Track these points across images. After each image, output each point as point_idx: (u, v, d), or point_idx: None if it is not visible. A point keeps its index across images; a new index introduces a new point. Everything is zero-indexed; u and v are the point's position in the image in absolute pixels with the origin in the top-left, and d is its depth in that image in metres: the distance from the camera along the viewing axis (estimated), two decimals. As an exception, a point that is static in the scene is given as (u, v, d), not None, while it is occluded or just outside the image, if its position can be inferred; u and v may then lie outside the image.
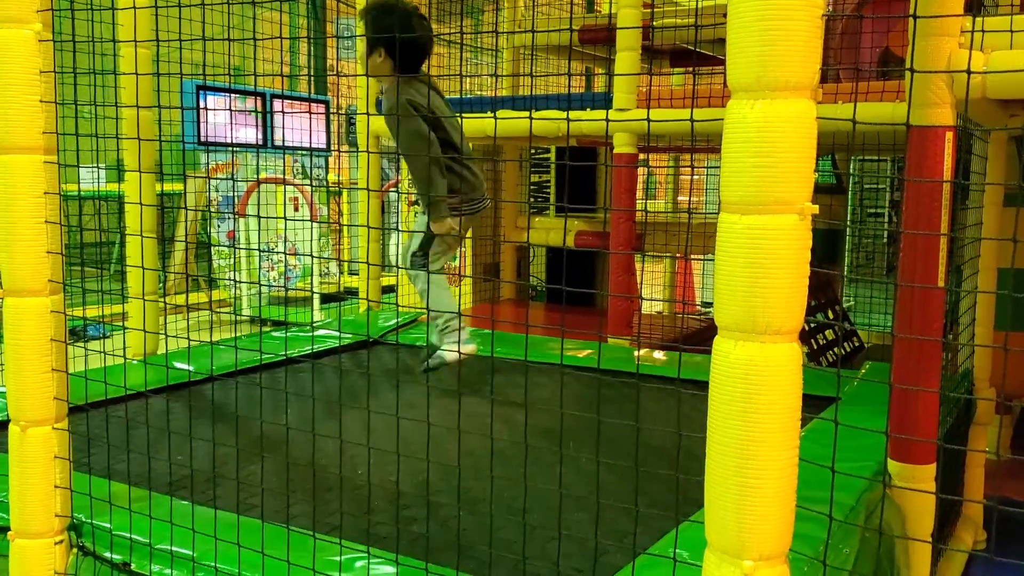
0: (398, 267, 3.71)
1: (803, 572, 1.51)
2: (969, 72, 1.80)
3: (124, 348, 3.17)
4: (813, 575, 1.52)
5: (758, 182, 1.05)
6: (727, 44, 1.07)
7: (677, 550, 1.35)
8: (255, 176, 6.82)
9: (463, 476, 1.83)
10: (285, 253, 4.03)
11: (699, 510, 1.15)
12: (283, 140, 7.22)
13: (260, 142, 7.12)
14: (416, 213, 3.27)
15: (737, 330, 1.08)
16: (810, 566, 1.52)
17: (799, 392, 1.09)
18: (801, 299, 1.08)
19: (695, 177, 7.54)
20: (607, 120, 2.75)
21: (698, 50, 5.19)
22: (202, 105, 6.54)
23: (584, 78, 7.46)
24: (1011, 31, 2.04)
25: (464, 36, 5.52)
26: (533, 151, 5.98)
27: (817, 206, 1.07)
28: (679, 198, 6.88)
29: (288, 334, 3.98)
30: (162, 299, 3.69)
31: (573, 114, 3.76)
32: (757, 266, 1.06)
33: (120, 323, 3.65)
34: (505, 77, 5.90)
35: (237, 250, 6.97)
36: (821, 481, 1.30)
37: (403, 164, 6.16)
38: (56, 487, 1.86)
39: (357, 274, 5.03)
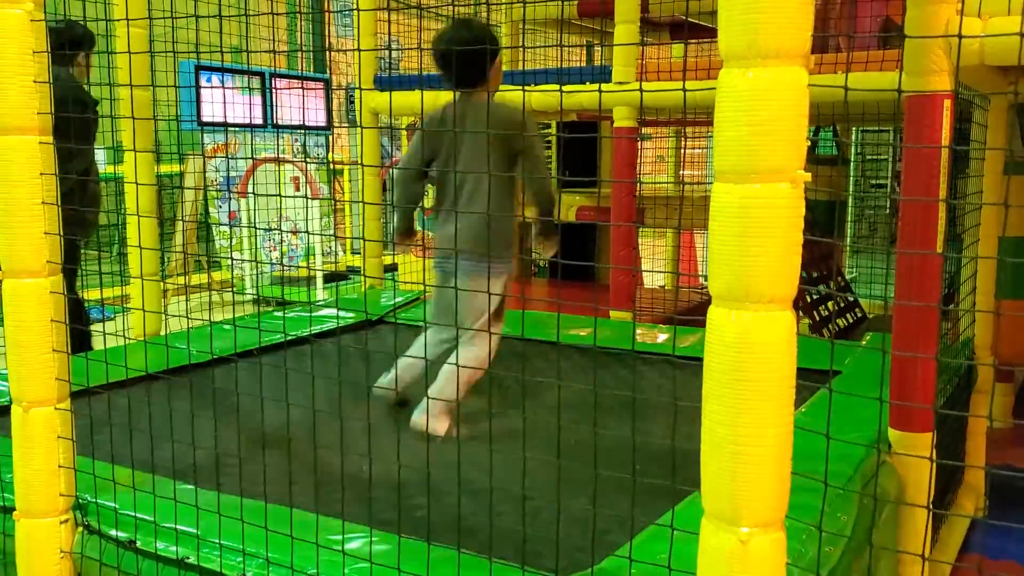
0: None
1: (801, 540, 1.52)
2: (960, 37, 1.79)
3: (125, 329, 3.18)
4: (811, 542, 1.53)
5: (750, 151, 1.05)
6: (718, 12, 1.07)
7: (675, 526, 1.35)
8: (254, 156, 6.81)
9: (465, 458, 1.83)
10: (282, 231, 4.02)
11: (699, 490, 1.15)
12: (276, 119, 7.18)
13: (260, 122, 7.09)
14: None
15: (731, 299, 1.08)
16: (808, 534, 1.52)
17: (793, 359, 1.09)
18: (794, 267, 1.08)
19: (698, 151, 7.52)
20: (599, 91, 2.73)
21: (697, 22, 5.14)
22: (200, 85, 6.52)
23: (585, 52, 7.40)
24: (1009, -4, 2.02)
25: (459, 9, 5.47)
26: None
27: (809, 174, 1.07)
28: (682, 172, 6.87)
29: (290, 314, 3.98)
30: (162, 280, 3.69)
31: (569, 87, 3.74)
32: (750, 234, 1.06)
33: (122, 305, 3.66)
34: (503, 50, 5.86)
35: (239, 230, 6.97)
36: (822, 454, 1.30)
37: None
38: (60, 467, 1.88)
39: (359, 253, 5.03)
